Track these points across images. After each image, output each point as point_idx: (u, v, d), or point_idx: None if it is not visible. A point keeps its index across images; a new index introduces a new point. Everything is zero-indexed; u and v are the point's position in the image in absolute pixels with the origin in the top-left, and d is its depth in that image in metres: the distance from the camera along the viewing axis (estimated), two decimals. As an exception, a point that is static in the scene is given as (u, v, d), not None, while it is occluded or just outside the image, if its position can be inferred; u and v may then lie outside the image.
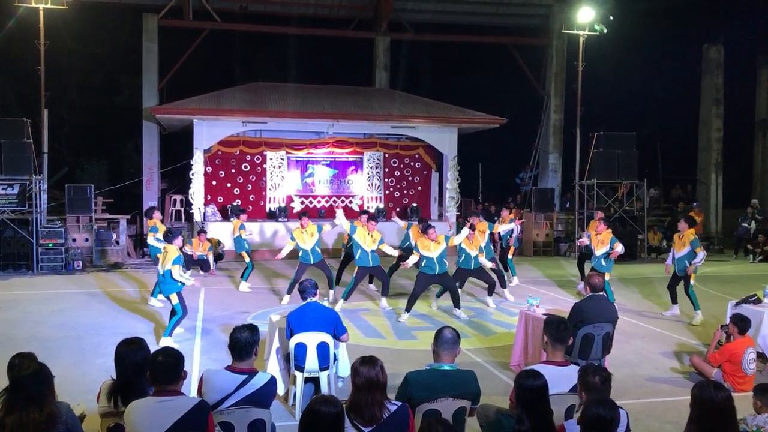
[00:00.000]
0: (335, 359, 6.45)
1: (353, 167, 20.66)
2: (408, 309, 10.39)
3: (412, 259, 10.49)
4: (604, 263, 11.09)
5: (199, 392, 4.38)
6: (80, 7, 18.36)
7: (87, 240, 16.35)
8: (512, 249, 14.27)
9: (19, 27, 18.42)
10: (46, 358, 4.10)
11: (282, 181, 20.00)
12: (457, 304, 10.61)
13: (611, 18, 20.09)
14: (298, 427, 3.51)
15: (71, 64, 23.50)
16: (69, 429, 3.70)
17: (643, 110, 25.31)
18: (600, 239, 11.19)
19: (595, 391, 4.06)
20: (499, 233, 13.38)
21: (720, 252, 20.85)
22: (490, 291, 11.54)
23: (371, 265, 11.06)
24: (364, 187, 20.68)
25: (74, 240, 16.14)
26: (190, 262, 15.00)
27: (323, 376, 6.22)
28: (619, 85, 24.05)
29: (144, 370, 3.98)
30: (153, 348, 4.14)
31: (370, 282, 13.04)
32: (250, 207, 19.58)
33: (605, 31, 19.88)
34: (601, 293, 6.79)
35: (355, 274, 11.04)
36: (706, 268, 16.89)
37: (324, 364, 6.19)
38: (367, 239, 10.95)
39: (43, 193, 16.21)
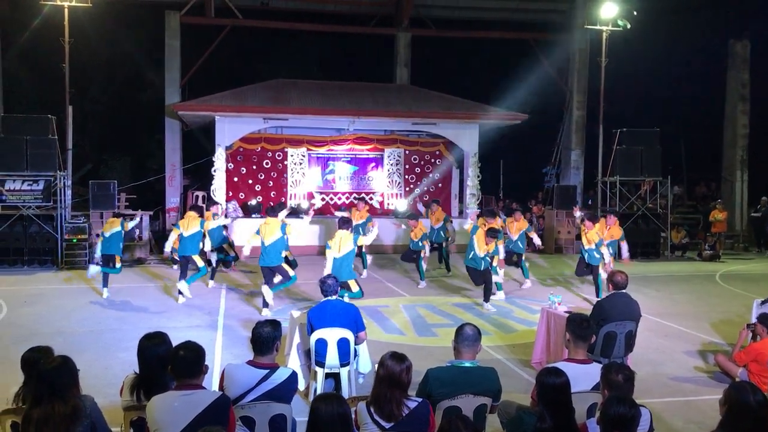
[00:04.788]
0: (356, 355, 6.46)
1: (374, 164, 20.65)
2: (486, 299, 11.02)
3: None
4: (596, 255, 11.47)
5: (221, 386, 4.40)
6: (104, 5, 18.56)
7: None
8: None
9: (44, 25, 18.69)
10: (70, 352, 4.14)
11: (303, 178, 20.05)
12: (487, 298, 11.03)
13: (635, 13, 19.84)
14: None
15: (95, 61, 23.77)
16: (93, 422, 3.72)
17: (667, 106, 24.94)
18: (588, 237, 11.53)
19: (618, 389, 4.01)
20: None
21: (746, 250, 20.53)
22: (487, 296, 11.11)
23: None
24: (385, 183, 20.66)
25: (98, 235, 16.28)
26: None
27: (344, 372, 6.23)
28: (642, 81, 23.75)
29: (166, 364, 4.01)
30: (175, 342, 4.17)
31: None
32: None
33: (629, 26, 19.66)
34: (624, 291, 6.71)
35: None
36: (731, 267, 16.67)
37: (345, 360, 6.19)
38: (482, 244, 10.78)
39: (68, 189, 16.44)
